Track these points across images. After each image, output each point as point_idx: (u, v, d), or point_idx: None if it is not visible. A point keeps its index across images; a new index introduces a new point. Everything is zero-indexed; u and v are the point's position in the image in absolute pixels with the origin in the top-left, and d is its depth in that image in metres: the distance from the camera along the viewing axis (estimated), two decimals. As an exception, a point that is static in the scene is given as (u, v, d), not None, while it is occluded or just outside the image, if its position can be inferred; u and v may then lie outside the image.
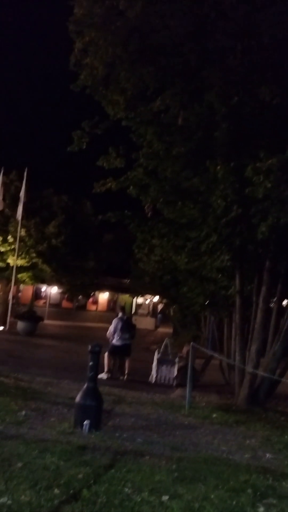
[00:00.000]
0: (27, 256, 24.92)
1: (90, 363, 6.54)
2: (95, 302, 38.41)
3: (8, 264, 23.14)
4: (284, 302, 10.61)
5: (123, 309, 12.94)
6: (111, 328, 11.92)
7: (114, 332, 11.81)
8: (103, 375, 11.15)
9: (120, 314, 12.33)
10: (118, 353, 11.75)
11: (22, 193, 20.70)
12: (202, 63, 8.61)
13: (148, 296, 36.87)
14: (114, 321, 12.01)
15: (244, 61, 8.43)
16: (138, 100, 9.41)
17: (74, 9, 8.73)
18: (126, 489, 4.34)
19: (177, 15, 8.22)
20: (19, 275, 24.20)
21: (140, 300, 40.78)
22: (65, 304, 35.34)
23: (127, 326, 12.01)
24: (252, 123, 8.72)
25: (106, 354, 11.44)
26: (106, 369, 11.48)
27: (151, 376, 11.87)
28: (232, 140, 8.66)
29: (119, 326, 11.79)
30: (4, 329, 20.30)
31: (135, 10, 8.18)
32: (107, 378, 11.14)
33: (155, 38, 8.44)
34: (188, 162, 9.40)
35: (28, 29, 73.38)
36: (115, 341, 11.75)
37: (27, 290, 32.35)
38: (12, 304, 21.83)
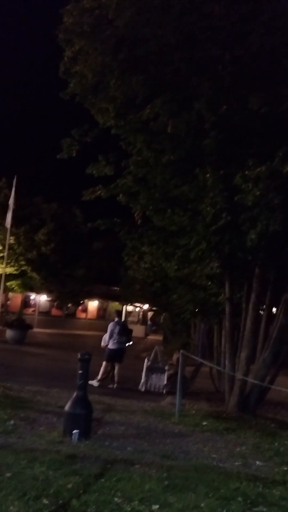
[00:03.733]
0: (16, 264, 24.84)
1: (80, 371, 6.50)
2: (85, 310, 38.31)
3: (-3, 272, 23.02)
4: (274, 310, 10.64)
5: (119, 313, 12.86)
6: (107, 333, 11.83)
7: (111, 336, 11.73)
8: (93, 382, 11.11)
9: (116, 319, 12.30)
10: (113, 358, 11.66)
11: (11, 201, 20.63)
12: (191, 72, 8.66)
13: (138, 304, 36.82)
14: (111, 325, 11.96)
15: (232, 70, 8.50)
16: (127, 108, 9.44)
17: (64, 18, 8.76)
18: (116, 499, 4.31)
19: (166, 25, 8.27)
20: (8, 283, 24.08)
21: (130, 307, 40.71)
22: (54, 312, 35.20)
23: (124, 330, 11.92)
24: (241, 132, 8.78)
25: (104, 362, 11.42)
26: (99, 376, 11.42)
27: (141, 384, 11.82)
28: (221, 148, 8.71)
29: (116, 330, 11.74)
30: (-7, 337, 20.14)
31: (125, 19, 8.22)
32: (98, 386, 11.09)
33: (144, 47, 8.48)
34: (178, 170, 9.44)
35: (18, 37, 73.53)
36: (111, 344, 11.67)
37: (16, 298, 32.19)
38: (1, 312, 21.68)
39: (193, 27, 8.31)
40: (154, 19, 8.26)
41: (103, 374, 11.47)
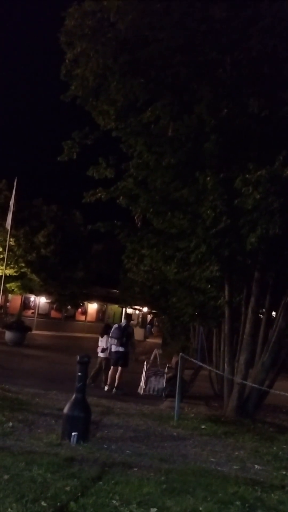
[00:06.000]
0: (16, 266, 24.82)
1: (79, 374, 6.49)
2: (84, 312, 38.25)
3: (-4, 273, 23.03)
4: (273, 313, 10.63)
5: (128, 317, 12.76)
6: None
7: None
8: (117, 391, 11.13)
9: (121, 322, 12.29)
10: (114, 361, 11.62)
11: (11, 203, 20.62)
12: (192, 76, 8.69)
13: (138, 307, 36.79)
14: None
15: (233, 74, 8.53)
16: (128, 111, 9.46)
17: (65, 21, 8.79)
18: (114, 502, 4.30)
19: (167, 28, 8.30)
20: (8, 285, 24.05)
21: (129, 310, 40.70)
22: (53, 314, 35.13)
23: (119, 333, 11.70)
24: (241, 135, 8.80)
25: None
26: (109, 381, 11.39)
27: (140, 387, 11.80)
28: (221, 152, 8.72)
29: (114, 333, 11.71)
30: (-9, 339, 20.11)
31: (126, 23, 8.25)
32: (107, 390, 11.11)
33: (145, 50, 8.52)
34: (178, 173, 9.44)
35: (19, 40, 73.69)
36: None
37: (15, 300, 32.16)
38: (0, 314, 21.65)
39: (194, 31, 8.34)
40: (155, 22, 8.30)
41: (111, 377, 11.43)
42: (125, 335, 11.71)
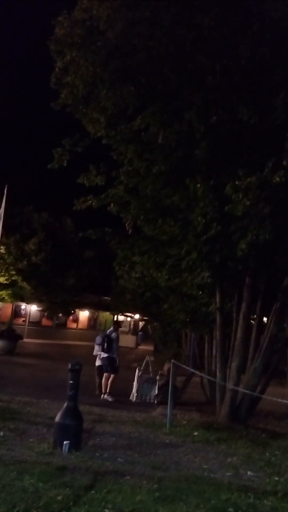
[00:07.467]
0: (7, 274, 24.70)
1: (70, 382, 6.46)
2: (76, 320, 38.06)
3: (-13, 281, 22.92)
4: (264, 319, 10.65)
5: (115, 323, 12.88)
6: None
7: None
8: (108, 397, 11.11)
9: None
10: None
11: (1, 210, 20.51)
12: (182, 83, 8.75)
13: (129, 314, 36.71)
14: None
15: (222, 81, 8.59)
16: (118, 119, 9.50)
17: (55, 29, 8.83)
18: (107, 510, 4.27)
19: (157, 36, 8.36)
20: (-2, 293, 23.88)
21: (121, 317, 40.59)
22: (45, 322, 34.92)
23: (99, 339, 11.88)
24: (231, 142, 8.85)
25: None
26: (103, 389, 11.37)
27: (132, 394, 11.76)
28: (211, 159, 8.77)
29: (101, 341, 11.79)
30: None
31: (115, 31, 8.30)
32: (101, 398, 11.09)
33: (135, 58, 8.57)
34: (168, 180, 9.48)
35: (9, 48, 73.74)
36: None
37: (6, 308, 31.94)
38: (-9, 322, 21.50)
39: (183, 39, 8.41)
40: (145, 30, 8.35)
41: (110, 384, 11.43)
42: (105, 341, 11.75)
